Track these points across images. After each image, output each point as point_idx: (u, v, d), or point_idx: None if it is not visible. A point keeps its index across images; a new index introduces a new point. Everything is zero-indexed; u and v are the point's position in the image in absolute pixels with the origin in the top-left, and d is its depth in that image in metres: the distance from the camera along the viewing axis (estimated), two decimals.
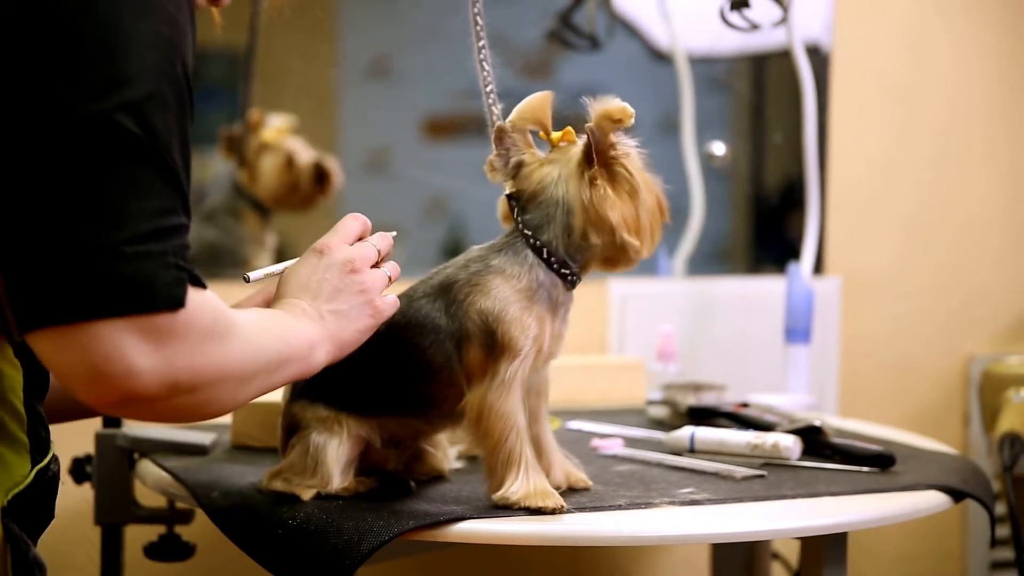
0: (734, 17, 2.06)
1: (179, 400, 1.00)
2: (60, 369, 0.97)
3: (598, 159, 1.35)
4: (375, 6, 2.41)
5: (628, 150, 1.37)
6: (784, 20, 2.13)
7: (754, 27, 2.07)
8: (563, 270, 1.37)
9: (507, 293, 1.35)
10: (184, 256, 0.99)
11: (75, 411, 1.31)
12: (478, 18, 1.47)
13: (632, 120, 1.34)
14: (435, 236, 2.40)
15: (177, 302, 0.97)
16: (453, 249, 2.40)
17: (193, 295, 0.99)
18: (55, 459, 1.17)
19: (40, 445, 1.14)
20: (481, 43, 1.47)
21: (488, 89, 1.47)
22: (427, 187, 2.40)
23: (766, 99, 2.66)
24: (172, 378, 0.98)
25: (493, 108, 1.46)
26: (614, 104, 1.34)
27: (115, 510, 1.71)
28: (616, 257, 1.38)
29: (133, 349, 0.96)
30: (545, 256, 1.36)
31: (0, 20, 0.98)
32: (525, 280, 1.35)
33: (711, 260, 2.57)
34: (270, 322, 1.16)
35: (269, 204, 2.28)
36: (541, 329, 1.35)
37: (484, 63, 1.47)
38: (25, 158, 0.97)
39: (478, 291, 1.35)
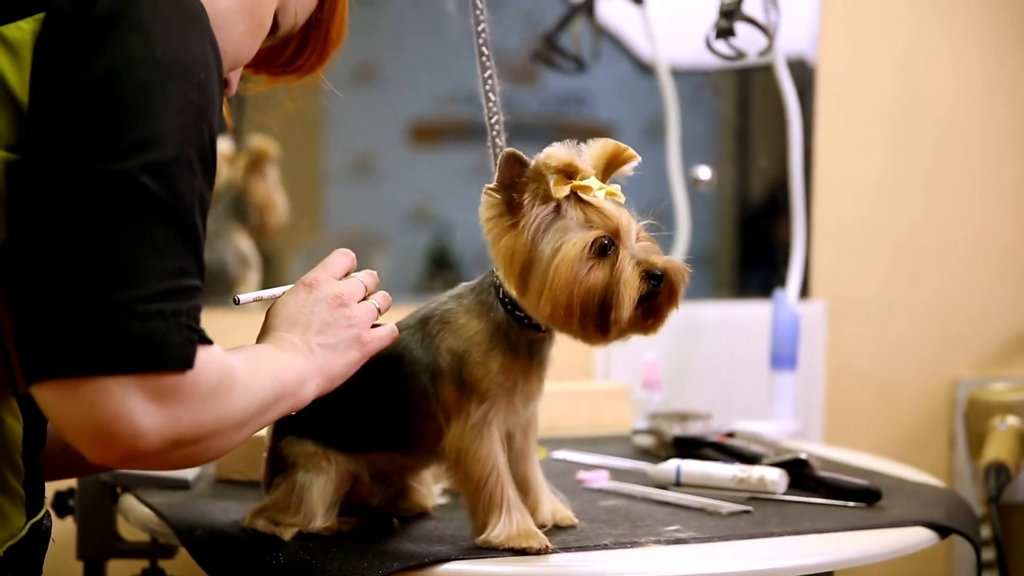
0: (720, 45, 2.06)
1: (178, 453, 1.02)
2: (65, 422, 0.97)
3: (508, 206, 1.29)
4: (360, 11, 2.41)
5: (538, 212, 1.27)
6: (770, 48, 2.13)
7: (740, 55, 2.07)
8: (517, 312, 1.32)
9: (471, 333, 1.33)
10: (196, 318, 1.01)
11: (71, 468, 1.32)
12: (484, 48, 1.47)
13: (576, 166, 1.26)
14: (420, 242, 2.40)
15: (186, 363, 0.98)
16: (438, 255, 2.40)
17: (201, 354, 1.00)
18: (48, 515, 1.18)
19: (35, 499, 1.14)
20: (487, 73, 1.46)
21: (493, 120, 1.46)
22: (412, 192, 2.39)
23: (751, 116, 2.66)
24: (175, 436, 0.99)
25: (497, 140, 1.45)
26: (554, 152, 1.27)
27: (98, 544, 1.70)
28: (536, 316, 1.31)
29: (139, 408, 0.96)
30: (501, 296, 1.33)
31: (38, 75, 1.01)
32: (488, 321, 1.33)
33: (696, 284, 2.56)
34: (261, 361, 1.16)
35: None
36: (507, 372, 1.33)
37: (491, 94, 1.46)
38: (47, 211, 0.98)
39: (448, 329, 1.35)
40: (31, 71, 1.02)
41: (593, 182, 1.28)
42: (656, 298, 1.28)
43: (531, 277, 1.27)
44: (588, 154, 1.30)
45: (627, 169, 1.32)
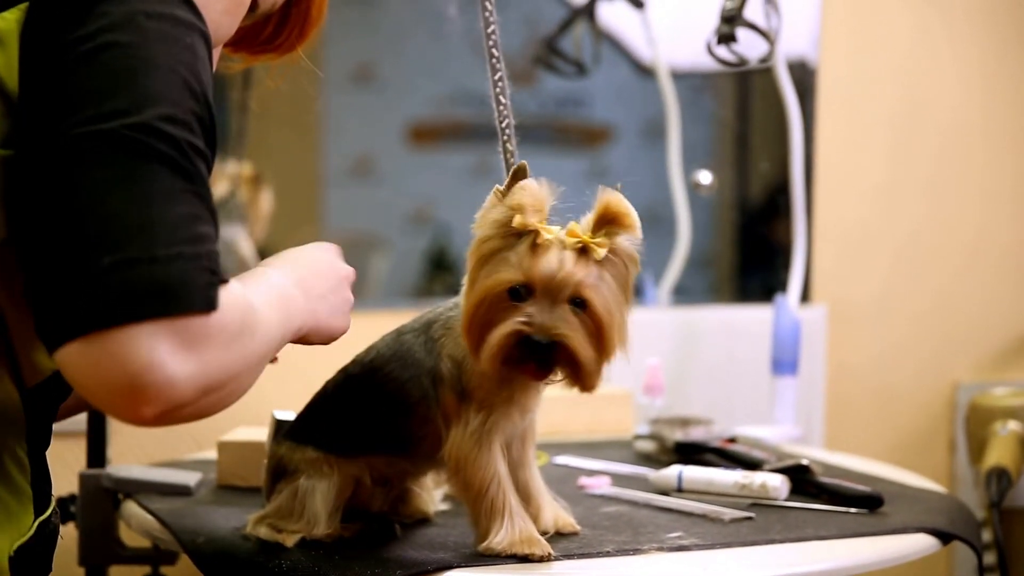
0: (721, 51, 2.06)
1: (208, 399, 0.98)
2: (95, 383, 0.93)
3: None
4: (359, 12, 2.41)
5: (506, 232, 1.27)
6: (771, 55, 2.13)
7: (742, 62, 2.07)
8: None
9: None
10: (216, 261, 0.99)
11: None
12: (494, 50, 1.46)
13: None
14: (419, 244, 2.40)
15: (211, 304, 0.96)
16: (437, 257, 2.40)
17: (223, 295, 0.98)
18: (56, 512, 1.17)
19: (42, 497, 1.14)
20: (498, 75, 1.46)
21: (504, 124, 1.45)
22: (412, 194, 2.39)
23: (752, 118, 2.66)
24: (207, 382, 0.96)
25: (508, 145, 1.45)
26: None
27: (99, 551, 1.69)
28: None
29: (169, 356, 0.93)
30: None
31: (26, 61, 1.01)
32: None
33: (697, 289, 2.57)
34: (273, 297, 1.13)
35: None
36: (504, 383, 1.32)
37: (501, 96, 1.45)
38: (55, 174, 0.97)
39: (450, 335, 1.35)
40: (19, 58, 1.02)
41: (556, 229, 1.26)
42: (550, 363, 1.25)
43: (472, 288, 1.27)
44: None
45: (623, 233, 1.28)
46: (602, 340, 1.26)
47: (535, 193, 1.26)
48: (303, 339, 1.19)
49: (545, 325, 1.23)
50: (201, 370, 0.95)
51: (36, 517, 1.12)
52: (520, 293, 1.24)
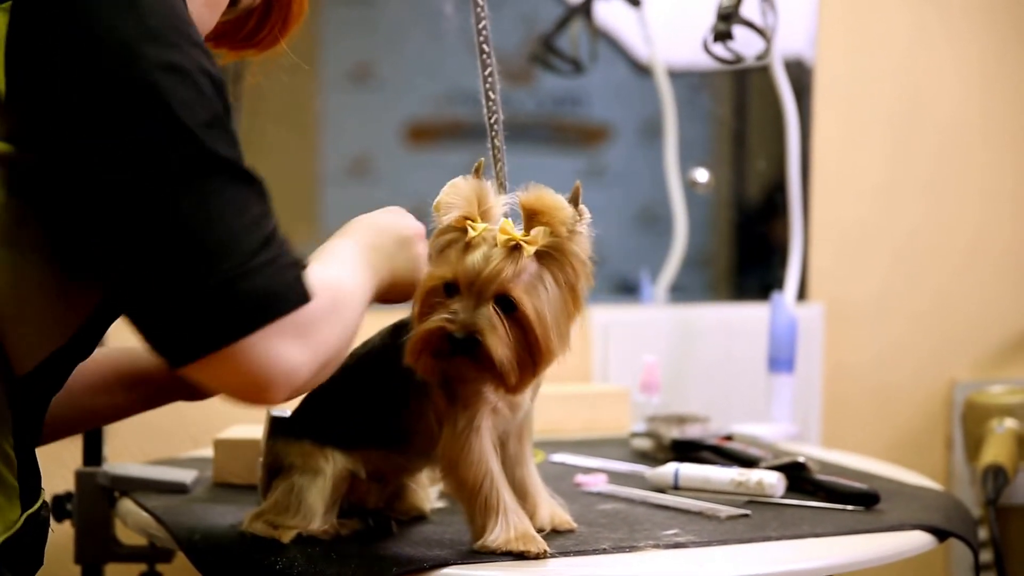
0: (718, 48, 2.06)
1: (323, 372, 1.09)
2: (229, 387, 1.04)
3: None
4: (357, 12, 2.40)
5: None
6: (767, 52, 2.13)
7: (738, 59, 2.07)
8: None
9: None
10: (292, 251, 1.07)
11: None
12: (484, 46, 1.47)
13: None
14: None
15: (305, 295, 1.05)
16: None
17: (311, 281, 1.06)
18: (45, 505, 1.17)
19: (31, 491, 1.14)
20: (488, 71, 1.46)
21: (493, 120, 1.46)
22: (410, 193, 2.39)
23: (749, 117, 2.65)
24: (322, 360, 1.07)
25: (496, 141, 1.45)
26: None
27: (95, 549, 1.70)
28: None
29: (287, 349, 1.03)
30: None
31: (14, 62, 1.05)
32: None
33: (694, 287, 2.57)
34: (355, 267, 1.19)
35: None
36: None
37: (491, 92, 1.45)
38: (130, 215, 1.01)
39: None
40: (5, 59, 1.04)
41: (479, 225, 1.27)
42: (456, 357, 1.25)
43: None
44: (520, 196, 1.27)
45: (557, 227, 1.26)
46: (531, 342, 1.25)
47: (462, 190, 1.28)
48: (383, 296, 1.25)
49: (464, 321, 1.23)
50: (314, 352, 1.05)
51: (24, 511, 1.12)
52: (450, 289, 1.26)
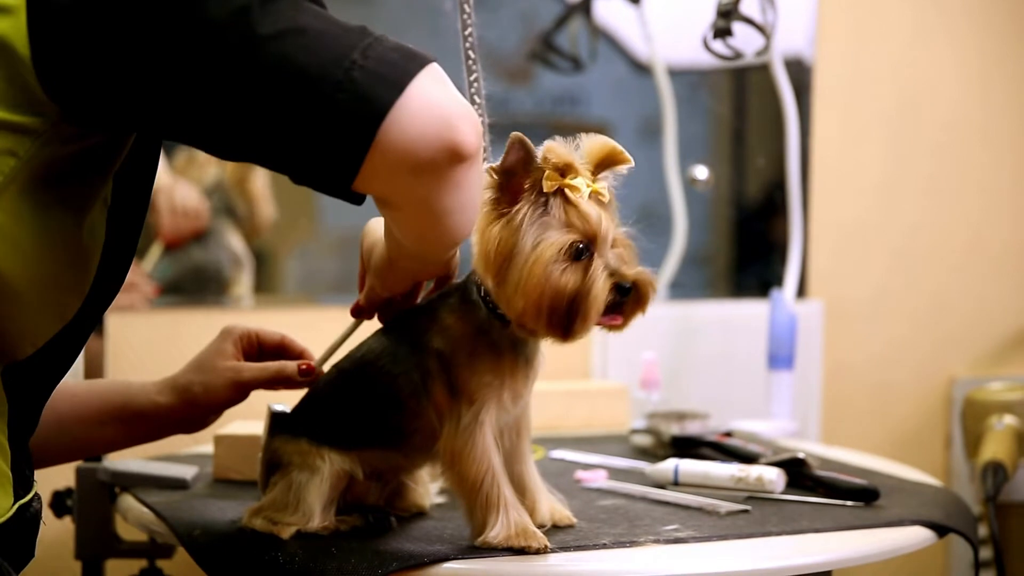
0: (717, 45, 2.06)
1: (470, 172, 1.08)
2: (420, 132, 1.03)
3: (502, 191, 1.28)
4: (356, 11, 2.40)
5: (530, 203, 1.28)
6: (767, 48, 2.13)
7: (737, 56, 2.07)
8: (498, 310, 1.32)
9: (457, 335, 1.33)
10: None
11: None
12: (470, 52, 1.47)
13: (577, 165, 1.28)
14: None
15: (427, 56, 1.08)
16: None
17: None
18: (37, 497, 1.18)
19: (23, 482, 1.14)
20: (473, 76, 1.46)
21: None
22: None
23: (748, 115, 2.66)
24: (473, 119, 1.07)
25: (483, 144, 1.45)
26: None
27: (96, 544, 1.70)
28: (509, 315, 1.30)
29: (445, 93, 1.06)
30: (483, 294, 1.33)
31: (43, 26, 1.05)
32: (471, 321, 1.33)
33: (693, 284, 2.57)
34: None
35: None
36: (494, 372, 1.33)
37: (476, 97, 1.46)
38: (227, 67, 1.03)
39: (436, 328, 1.35)
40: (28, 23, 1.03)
41: (581, 182, 1.28)
42: (623, 306, 1.29)
43: (510, 269, 1.27)
44: (583, 150, 1.30)
45: (620, 170, 1.32)
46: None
47: (564, 151, 1.28)
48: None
49: (622, 270, 1.28)
50: (460, 97, 1.08)
51: (16, 500, 1.12)
52: (582, 250, 1.27)
